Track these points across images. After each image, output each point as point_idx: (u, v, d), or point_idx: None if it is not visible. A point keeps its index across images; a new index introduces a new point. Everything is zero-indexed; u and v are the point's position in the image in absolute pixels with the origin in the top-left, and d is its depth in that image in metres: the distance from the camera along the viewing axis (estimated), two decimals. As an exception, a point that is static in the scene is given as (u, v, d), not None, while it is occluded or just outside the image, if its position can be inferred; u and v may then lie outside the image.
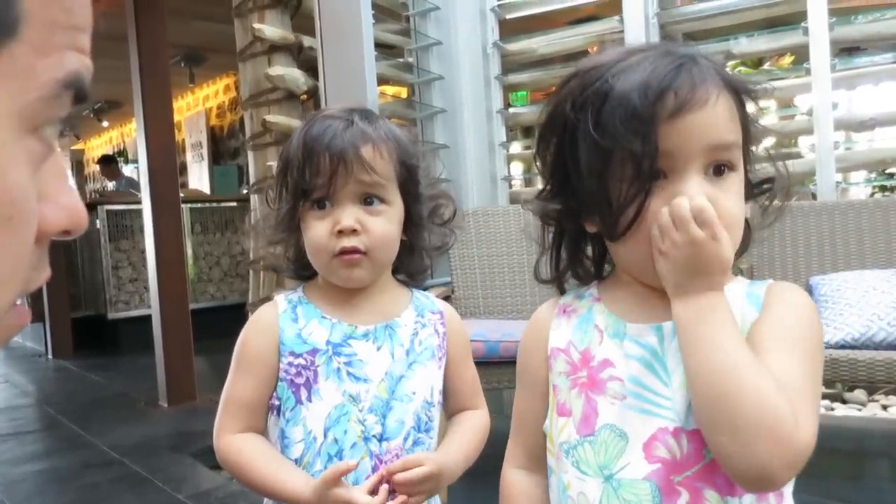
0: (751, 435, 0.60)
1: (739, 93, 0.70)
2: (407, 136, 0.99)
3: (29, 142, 0.35)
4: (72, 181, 0.39)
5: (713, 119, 0.67)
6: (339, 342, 0.93)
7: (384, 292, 0.98)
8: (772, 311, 0.69)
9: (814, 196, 2.68)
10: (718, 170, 0.68)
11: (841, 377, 1.91)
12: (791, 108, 3.36)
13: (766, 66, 3.93)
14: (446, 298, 2.66)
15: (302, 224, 0.94)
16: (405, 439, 0.93)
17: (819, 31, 2.59)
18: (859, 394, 2.98)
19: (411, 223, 0.97)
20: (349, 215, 0.91)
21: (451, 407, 1.02)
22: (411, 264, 1.02)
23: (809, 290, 2.24)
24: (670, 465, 0.68)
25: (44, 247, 0.38)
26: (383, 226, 0.92)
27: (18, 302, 0.38)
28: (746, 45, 2.83)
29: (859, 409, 2.90)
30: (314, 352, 0.92)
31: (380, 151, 0.92)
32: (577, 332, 0.76)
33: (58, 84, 0.35)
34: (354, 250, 0.91)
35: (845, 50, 2.90)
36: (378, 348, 0.94)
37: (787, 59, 3.48)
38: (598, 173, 0.69)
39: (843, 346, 1.93)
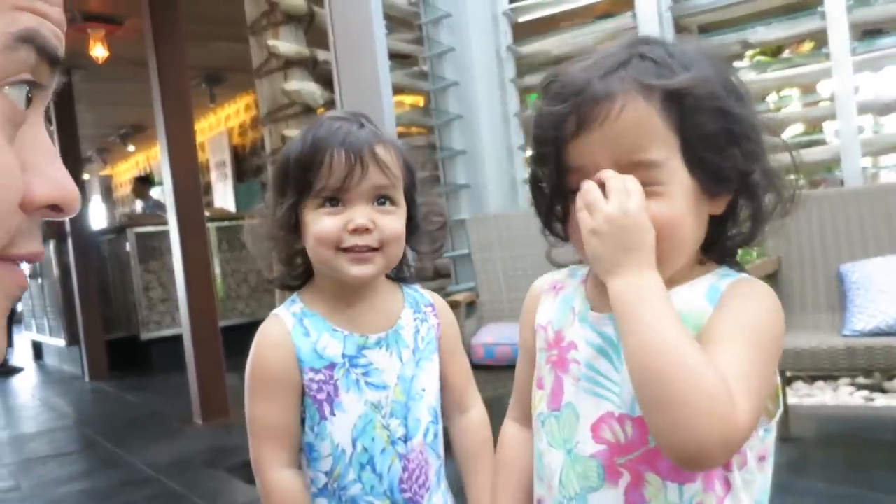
0: (686, 412, 0.60)
1: (677, 97, 0.67)
2: (407, 141, 1.00)
3: None
4: (60, 163, 0.40)
5: (615, 134, 0.67)
6: (354, 354, 0.93)
7: (380, 291, 0.98)
8: (725, 305, 0.68)
9: (841, 182, 2.64)
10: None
11: (876, 365, 1.87)
12: (814, 95, 3.31)
13: (786, 53, 3.87)
14: (470, 303, 2.67)
15: (305, 222, 0.92)
16: (425, 434, 0.95)
17: (837, 15, 2.55)
18: (899, 382, 2.91)
19: (411, 226, 0.97)
20: (363, 214, 0.90)
21: (445, 402, 1.01)
22: (416, 269, 1.03)
23: (840, 278, 2.20)
24: (614, 447, 0.71)
25: (33, 218, 0.38)
26: (395, 223, 0.92)
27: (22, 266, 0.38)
28: (764, 33, 2.80)
29: (900, 399, 2.83)
30: (332, 366, 0.92)
31: (391, 153, 0.93)
32: (558, 312, 0.80)
33: (11, 38, 0.36)
34: (367, 248, 0.90)
35: (868, 32, 2.85)
36: (390, 354, 0.95)
37: (807, 46, 3.43)
38: (533, 187, 0.77)
39: (877, 334, 1.89)
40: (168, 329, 5.69)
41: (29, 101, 0.39)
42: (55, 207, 0.39)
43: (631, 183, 0.66)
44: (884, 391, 2.90)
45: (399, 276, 1.02)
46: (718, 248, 0.75)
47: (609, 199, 0.66)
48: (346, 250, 0.90)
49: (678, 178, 0.68)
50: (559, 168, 0.71)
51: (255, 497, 2.74)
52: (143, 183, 8.08)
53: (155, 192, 8.17)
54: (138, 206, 8.02)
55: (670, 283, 0.70)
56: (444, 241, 1.05)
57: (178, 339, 4.20)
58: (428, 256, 1.02)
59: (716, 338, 0.65)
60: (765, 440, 0.71)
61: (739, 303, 0.68)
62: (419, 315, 0.99)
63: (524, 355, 0.87)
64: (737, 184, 0.70)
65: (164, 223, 4.47)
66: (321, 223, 0.90)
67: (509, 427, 0.89)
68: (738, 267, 0.76)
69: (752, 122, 0.69)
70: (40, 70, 0.39)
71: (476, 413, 1.03)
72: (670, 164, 0.68)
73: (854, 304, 2.00)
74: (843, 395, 2.92)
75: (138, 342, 5.73)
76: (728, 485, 0.68)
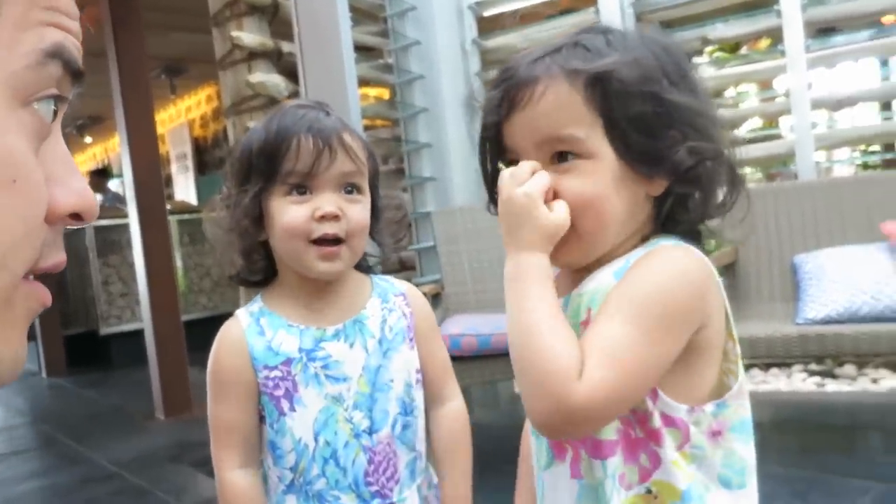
0: (527, 389, 0.66)
1: (602, 80, 0.69)
2: (372, 134, 1.00)
3: (21, 113, 0.37)
4: (79, 170, 0.41)
5: (536, 115, 0.71)
6: (311, 348, 0.92)
7: (347, 284, 0.97)
8: (622, 280, 0.70)
9: (795, 176, 2.72)
10: (562, 156, 0.71)
11: (828, 352, 1.94)
12: (770, 91, 3.40)
13: (744, 50, 3.97)
14: (436, 295, 2.68)
15: (270, 212, 0.90)
16: (393, 427, 0.94)
17: (792, 13, 2.62)
18: (849, 369, 3.01)
19: (373, 217, 0.97)
20: (331, 201, 0.89)
21: (424, 393, 1.00)
22: (373, 259, 1.03)
23: (793, 268, 2.27)
24: None
25: (57, 229, 0.40)
26: (361, 213, 0.92)
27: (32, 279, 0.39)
28: (723, 30, 2.86)
29: (850, 384, 2.93)
30: (289, 362, 0.91)
31: (357, 141, 0.93)
32: None
33: (41, 53, 0.37)
34: (335, 238, 0.89)
35: (822, 30, 2.93)
36: (351, 345, 0.93)
37: (764, 42, 3.52)
38: (481, 166, 0.79)
39: (828, 322, 1.96)
40: (128, 324, 5.59)
41: (54, 113, 0.39)
42: (76, 216, 0.40)
43: (526, 167, 0.70)
44: (834, 377, 3.00)
45: (363, 266, 1.01)
46: (667, 228, 0.75)
47: (503, 186, 0.71)
48: (315, 243, 0.89)
49: (600, 155, 0.70)
50: (498, 149, 0.76)
51: (220, 491, 2.69)
52: (100, 176, 7.89)
53: (113, 185, 8.00)
54: (97, 199, 7.85)
55: (611, 257, 0.73)
56: (405, 233, 1.05)
57: (138, 334, 4.13)
58: (389, 248, 1.02)
59: (599, 312, 0.68)
60: (718, 416, 0.71)
61: (635, 273, 0.69)
62: (387, 305, 0.98)
63: None
64: (666, 166, 0.71)
65: (124, 216, 4.40)
66: (289, 212, 0.89)
67: (528, 425, 0.90)
68: (695, 242, 0.76)
69: (692, 107, 0.70)
70: (63, 83, 0.40)
71: (454, 405, 1.02)
72: (591, 143, 0.70)
73: (807, 294, 2.08)
74: (797, 382, 3.01)
75: (97, 337, 5.62)
76: (658, 459, 0.69)
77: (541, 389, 0.64)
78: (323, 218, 0.88)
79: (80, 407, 4.37)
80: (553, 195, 0.70)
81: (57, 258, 0.40)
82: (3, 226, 0.35)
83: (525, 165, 0.71)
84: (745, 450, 0.73)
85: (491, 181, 0.79)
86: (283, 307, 0.95)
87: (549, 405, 0.64)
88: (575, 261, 0.74)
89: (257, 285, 0.99)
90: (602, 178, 0.70)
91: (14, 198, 0.35)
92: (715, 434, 0.71)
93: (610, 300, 0.68)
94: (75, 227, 0.42)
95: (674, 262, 0.70)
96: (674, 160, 0.70)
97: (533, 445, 0.80)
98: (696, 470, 0.70)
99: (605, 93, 0.69)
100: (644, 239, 0.75)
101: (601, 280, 0.72)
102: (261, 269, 0.98)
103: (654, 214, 0.75)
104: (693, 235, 0.76)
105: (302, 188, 0.90)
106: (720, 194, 0.74)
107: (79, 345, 5.70)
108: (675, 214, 0.74)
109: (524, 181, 0.70)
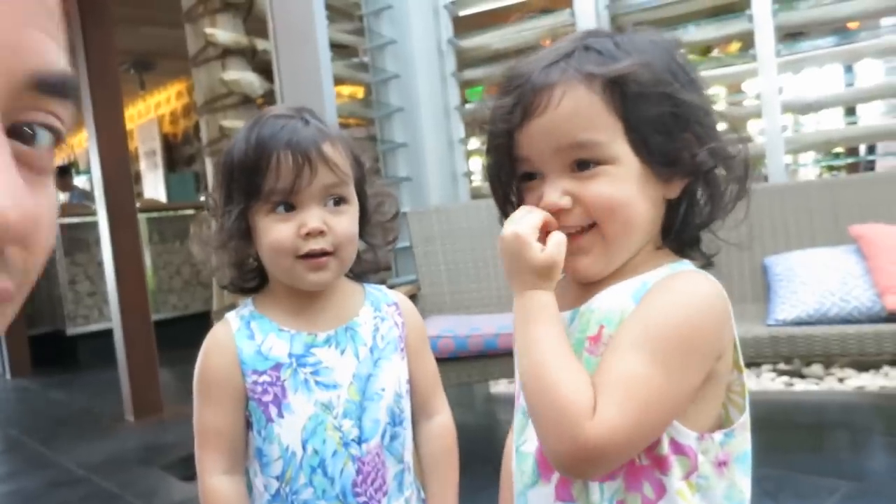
0: (543, 429, 0.65)
1: (619, 83, 0.68)
2: (349, 133, 0.98)
3: None
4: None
5: (555, 121, 0.68)
6: (301, 353, 0.90)
7: (339, 292, 0.96)
8: (640, 305, 0.68)
9: (765, 179, 2.76)
10: (584, 164, 0.69)
11: (798, 353, 1.97)
12: (740, 94, 3.45)
13: (715, 53, 4.02)
14: (412, 296, 2.68)
15: (256, 228, 0.90)
16: (382, 437, 0.93)
17: (763, 18, 2.66)
18: (817, 368, 3.08)
19: (363, 220, 0.96)
20: (315, 217, 0.88)
21: (411, 404, 0.99)
22: (366, 262, 1.00)
23: (764, 270, 2.31)
24: None
25: None
26: (347, 224, 0.91)
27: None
28: (695, 33, 2.90)
29: (817, 384, 3.00)
30: (278, 367, 0.90)
31: (339, 149, 0.91)
32: None
33: None
34: (322, 252, 0.88)
35: (790, 35, 2.99)
36: (342, 352, 0.92)
37: (735, 46, 3.57)
38: (491, 177, 0.78)
39: (798, 323, 1.99)
40: (96, 324, 5.49)
41: None
42: None
43: (524, 209, 0.71)
44: (802, 376, 3.06)
45: (354, 271, 0.99)
46: (677, 232, 0.74)
47: (507, 225, 0.70)
48: (303, 257, 0.88)
49: (624, 160, 0.69)
50: (510, 158, 0.73)
51: (192, 494, 2.70)
52: (64, 173, 7.67)
53: (80, 182, 7.84)
54: (62, 196, 7.67)
55: (626, 270, 0.71)
56: (398, 231, 1.04)
57: (107, 334, 4.06)
58: (381, 248, 1.01)
59: (614, 342, 0.66)
60: (725, 445, 0.70)
61: (655, 300, 0.67)
62: (379, 314, 0.97)
63: None
64: (688, 166, 0.70)
65: (92, 214, 4.31)
66: (274, 231, 0.88)
67: (510, 435, 0.89)
68: (702, 256, 0.76)
69: (702, 107, 0.70)
70: None
71: (441, 419, 1.01)
72: (614, 147, 0.68)
73: (777, 295, 2.11)
74: (766, 381, 3.07)
75: (64, 337, 5.50)
76: (662, 488, 0.67)
77: (556, 430, 0.63)
78: (308, 235, 0.87)
79: (47, 409, 4.28)
80: (546, 231, 0.70)
81: None
82: None
83: (522, 209, 0.70)
84: (744, 483, 0.71)
85: (504, 196, 0.77)
86: (275, 312, 0.94)
87: (564, 445, 0.62)
88: (597, 272, 0.72)
89: (252, 291, 0.98)
90: (627, 181, 0.69)
91: None
92: (721, 464, 0.70)
93: (627, 328, 0.66)
94: None
95: (696, 291, 0.68)
96: (696, 161, 0.69)
97: (515, 463, 0.78)
98: (700, 500, 0.68)
99: (623, 96, 0.68)
100: (657, 248, 0.74)
101: (617, 300, 0.70)
102: (253, 276, 0.97)
103: (665, 220, 0.74)
104: (694, 242, 0.76)
105: (286, 205, 0.88)
106: (727, 194, 0.73)
107: (44, 345, 5.57)
108: (685, 218, 0.74)
109: (517, 219, 0.69)
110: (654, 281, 0.70)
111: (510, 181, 0.75)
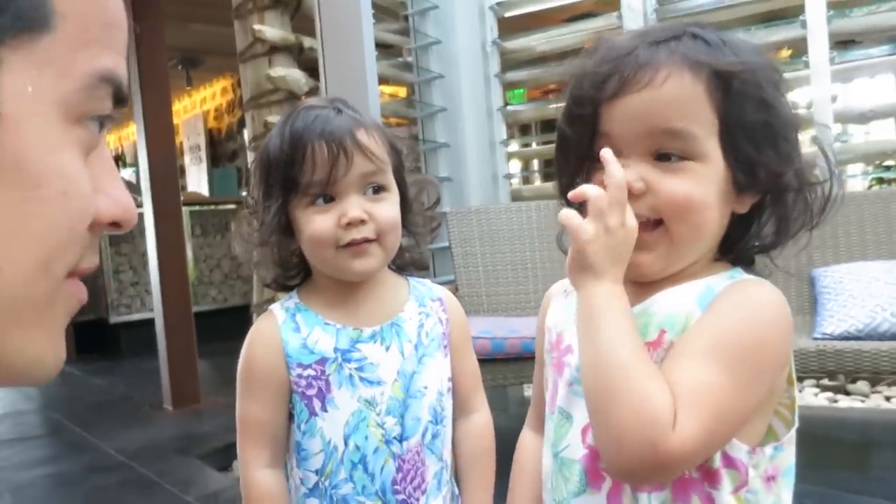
0: (617, 433, 0.60)
1: (725, 78, 0.64)
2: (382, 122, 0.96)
3: (75, 131, 0.38)
4: (121, 178, 0.43)
5: (654, 101, 0.64)
6: (347, 348, 0.90)
7: (383, 284, 0.95)
8: (711, 310, 0.65)
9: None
10: (666, 156, 0.66)
11: (845, 368, 1.92)
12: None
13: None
14: (450, 296, 2.67)
15: (296, 222, 0.89)
16: (423, 435, 0.92)
17: (817, 25, 2.60)
18: (862, 385, 2.99)
19: (405, 208, 0.94)
20: (355, 206, 0.86)
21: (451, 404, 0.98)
22: (409, 252, 0.99)
23: (812, 282, 2.25)
24: (597, 452, 0.69)
25: (97, 236, 0.41)
26: (389, 211, 0.89)
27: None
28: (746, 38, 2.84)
29: (862, 401, 2.91)
30: (323, 361, 0.89)
31: (374, 137, 0.89)
32: (563, 315, 0.79)
33: (94, 77, 0.38)
34: (364, 240, 0.87)
35: (840, 43, 2.91)
36: (387, 348, 0.91)
37: (785, 53, 3.49)
38: (559, 151, 0.74)
39: (846, 338, 1.94)
40: (138, 313, 5.61)
41: (100, 125, 0.41)
42: (115, 224, 0.42)
43: (599, 194, 0.65)
44: (847, 393, 2.98)
45: (398, 263, 0.98)
46: (736, 251, 0.72)
47: (611, 212, 0.64)
48: (345, 247, 0.87)
49: (711, 160, 0.66)
50: (592, 131, 0.69)
51: (227, 485, 2.72)
52: None
53: (126, 174, 8.02)
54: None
55: (683, 275, 0.68)
56: (440, 219, 1.02)
57: (148, 324, 4.14)
58: (424, 237, 0.99)
59: (684, 349, 0.63)
60: (773, 459, 0.68)
61: (725, 310, 0.65)
62: (424, 309, 0.96)
63: (539, 361, 0.85)
64: (767, 183, 0.67)
65: (138, 206, 4.40)
66: (314, 223, 0.87)
67: (525, 434, 0.88)
68: (754, 272, 0.73)
69: (791, 121, 0.67)
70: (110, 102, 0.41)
71: (480, 418, 0.99)
72: (706, 144, 0.65)
73: (825, 309, 2.06)
74: (808, 397, 2.99)
75: (107, 325, 5.63)
76: (711, 502, 0.66)
77: (636, 436, 0.59)
78: (350, 224, 0.86)
79: (88, 395, 4.38)
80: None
81: (93, 262, 0.42)
82: (51, 234, 0.37)
83: (595, 191, 0.64)
84: (788, 498, 0.70)
85: (574, 168, 0.71)
86: (319, 304, 0.93)
87: (643, 454, 0.59)
88: (655, 272, 0.69)
89: (293, 288, 0.98)
90: (710, 184, 0.66)
91: (63, 208, 0.37)
92: (769, 479, 0.68)
93: (697, 335, 0.63)
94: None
95: (767, 301, 0.65)
96: (782, 181, 0.66)
97: (551, 469, 0.76)
98: None
99: (726, 92, 0.65)
100: (715, 260, 0.71)
101: (679, 303, 0.67)
102: (297, 273, 0.97)
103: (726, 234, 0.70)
104: (750, 262, 0.73)
105: (325, 196, 0.87)
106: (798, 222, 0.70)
107: (88, 332, 5.71)
108: (748, 236, 0.71)
109: (607, 210, 0.63)
110: (719, 286, 0.67)
111: (585, 155, 0.70)
